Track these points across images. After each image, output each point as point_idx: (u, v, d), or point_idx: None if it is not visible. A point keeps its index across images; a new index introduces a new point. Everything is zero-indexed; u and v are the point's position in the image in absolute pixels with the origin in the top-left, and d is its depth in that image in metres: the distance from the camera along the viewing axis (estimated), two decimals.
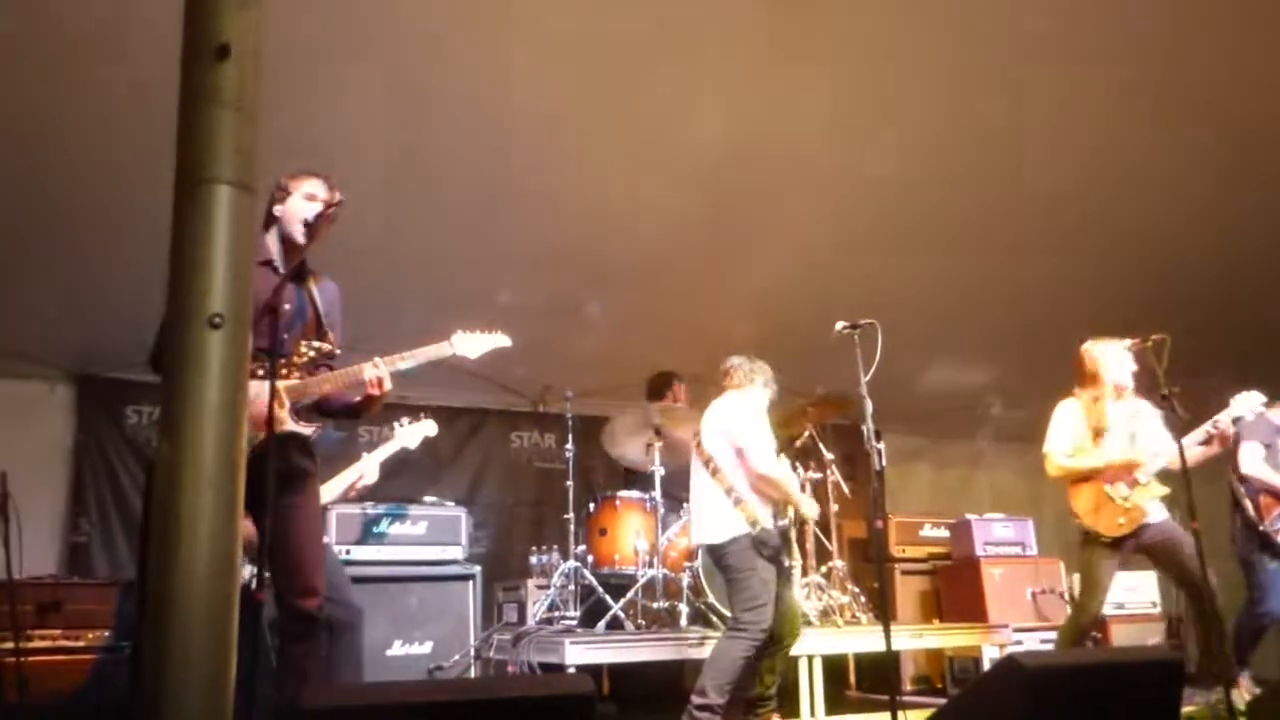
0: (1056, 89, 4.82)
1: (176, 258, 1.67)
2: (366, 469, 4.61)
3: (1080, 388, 4.85)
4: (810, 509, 4.70)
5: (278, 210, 3.19)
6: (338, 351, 3.20)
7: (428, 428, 4.85)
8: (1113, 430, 4.71)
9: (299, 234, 3.12)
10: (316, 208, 3.10)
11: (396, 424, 4.85)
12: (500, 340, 3.58)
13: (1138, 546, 4.65)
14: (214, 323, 1.62)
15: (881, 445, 3.75)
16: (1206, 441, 4.68)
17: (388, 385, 3.15)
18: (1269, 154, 5.29)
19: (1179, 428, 4.37)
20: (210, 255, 1.65)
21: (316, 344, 3.14)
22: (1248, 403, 4.67)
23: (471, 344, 3.48)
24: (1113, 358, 4.74)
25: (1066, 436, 4.76)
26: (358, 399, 3.21)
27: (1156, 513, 4.63)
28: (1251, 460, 5.38)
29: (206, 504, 1.68)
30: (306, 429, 3.09)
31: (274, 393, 2.45)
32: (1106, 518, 4.59)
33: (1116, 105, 4.93)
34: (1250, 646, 5.40)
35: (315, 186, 3.18)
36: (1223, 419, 4.67)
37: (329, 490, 4.50)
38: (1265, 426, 5.44)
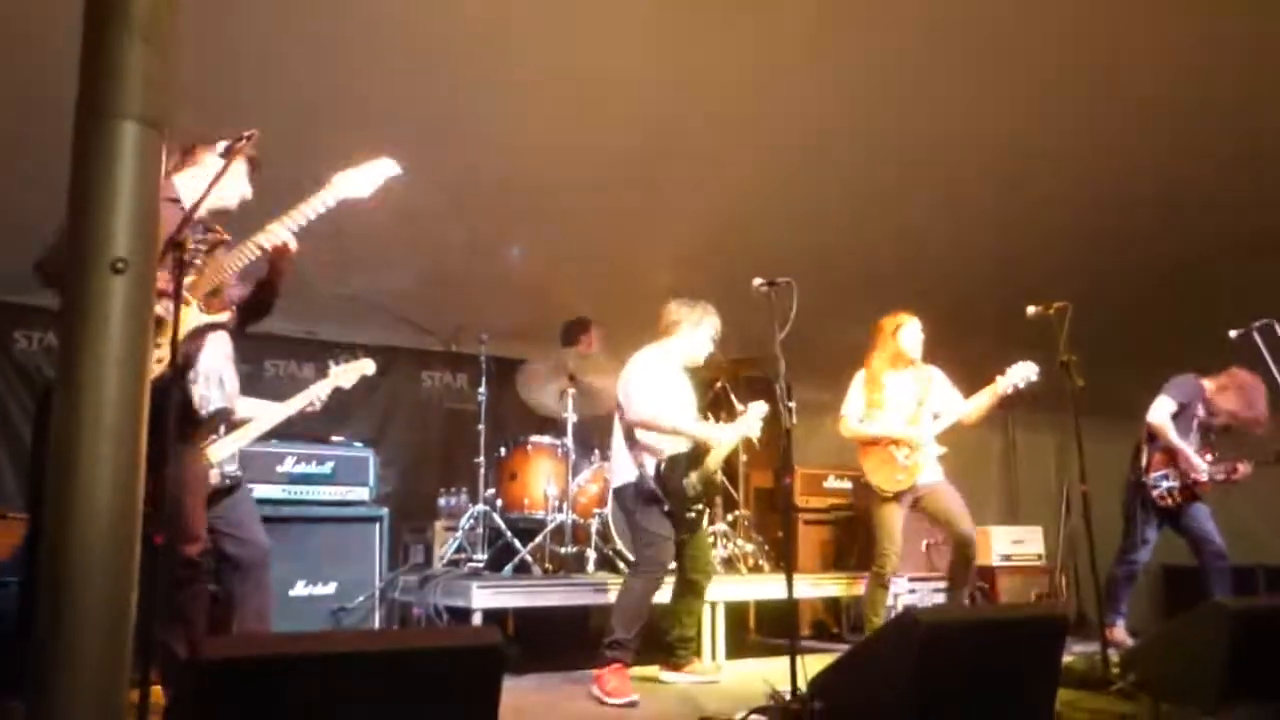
0: (965, 55, 4.85)
1: (76, 197, 1.57)
2: (319, 394, 4.22)
3: (871, 357, 5.23)
4: (727, 434, 4.59)
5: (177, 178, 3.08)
6: (228, 237, 3.06)
7: (365, 366, 4.47)
8: (892, 400, 5.14)
9: (231, 204, 3.10)
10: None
11: (332, 362, 4.53)
12: (389, 167, 3.18)
13: (914, 501, 5.09)
14: (117, 267, 1.53)
15: (793, 403, 3.80)
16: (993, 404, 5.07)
17: (293, 245, 3.04)
18: (1171, 120, 5.42)
19: (1074, 396, 4.55)
20: (114, 195, 1.55)
21: (204, 234, 2.99)
22: (1023, 371, 4.98)
23: (357, 181, 3.15)
24: (903, 330, 5.15)
25: (857, 403, 5.21)
26: (258, 285, 3.13)
27: (932, 473, 5.08)
28: (1157, 411, 5.61)
29: (106, 453, 1.61)
30: (220, 316, 2.99)
31: (176, 341, 2.35)
32: (886, 475, 5.07)
33: (1022, 75, 4.99)
34: (1121, 595, 5.68)
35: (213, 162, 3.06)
36: (1001, 384, 4.99)
37: (280, 411, 4.24)
38: (1190, 389, 5.65)
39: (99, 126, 1.57)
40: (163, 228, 2.13)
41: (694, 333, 4.63)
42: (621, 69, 4.81)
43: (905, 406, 5.13)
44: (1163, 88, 5.06)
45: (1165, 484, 5.57)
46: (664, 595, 4.62)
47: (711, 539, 5.55)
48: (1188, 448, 5.59)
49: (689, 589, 4.64)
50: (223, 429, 3.68)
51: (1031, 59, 4.89)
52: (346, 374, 4.39)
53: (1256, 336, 4.85)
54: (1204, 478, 5.57)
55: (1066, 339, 4.49)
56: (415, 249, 6.00)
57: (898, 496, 5.05)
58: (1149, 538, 5.63)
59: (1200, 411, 5.71)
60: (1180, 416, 5.65)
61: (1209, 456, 5.64)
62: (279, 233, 3.01)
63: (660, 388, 4.55)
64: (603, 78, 4.86)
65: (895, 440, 5.06)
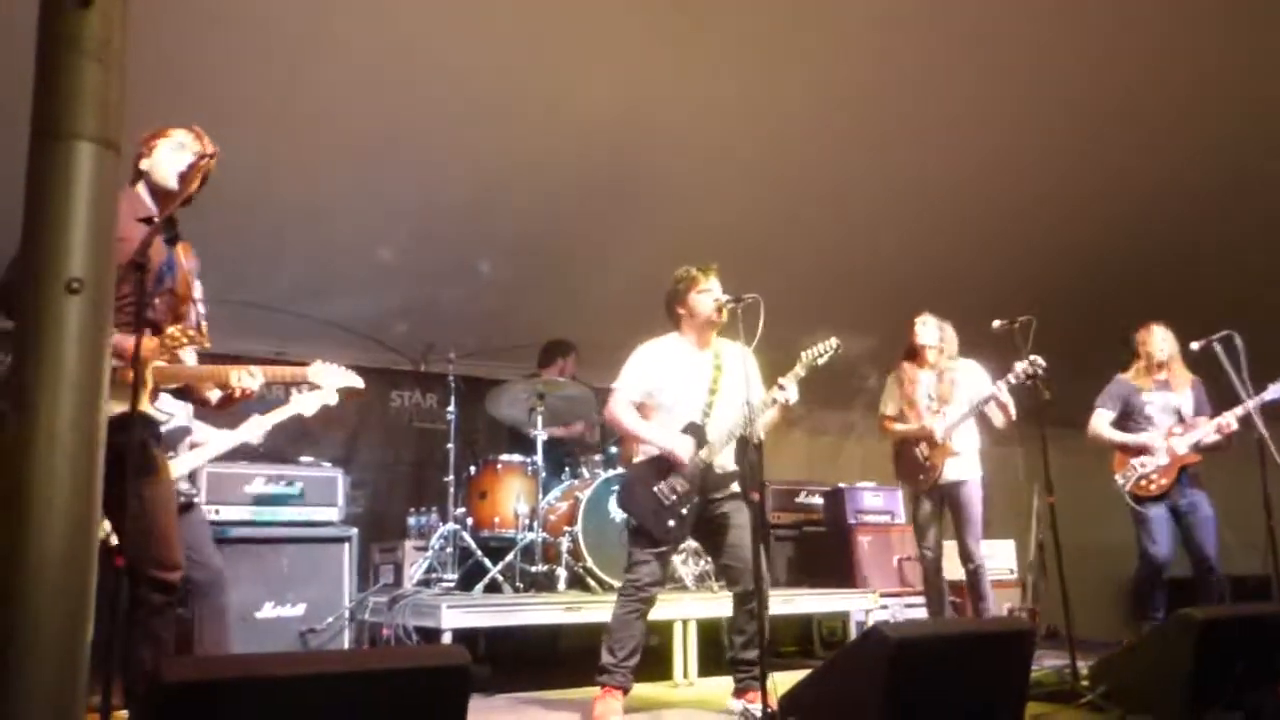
0: (929, 69, 4.91)
1: (31, 217, 1.55)
2: (253, 434, 4.24)
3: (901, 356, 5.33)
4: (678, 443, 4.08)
5: (144, 165, 3.01)
6: (208, 345, 3.04)
7: (328, 396, 4.51)
8: (919, 398, 5.19)
9: (172, 181, 2.96)
10: (188, 158, 2.95)
11: (295, 390, 4.53)
12: (353, 378, 3.72)
13: (942, 498, 5.12)
14: (72, 288, 1.51)
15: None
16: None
17: (255, 388, 3.08)
18: (1123, 135, 5.49)
19: (1041, 409, 4.60)
20: (69, 216, 1.53)
21: (193, 332, 2.97)
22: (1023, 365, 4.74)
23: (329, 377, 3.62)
24: (916, 328, 5.22)
25: (888, 402, 5.32)
26: (216, 399, 3.15)
27: (959, 472, 5.06)
28: (1093, 423, 5.46)
29: (62, 476, 1.58)
30: (161, 416, 3.01)
31: (139, 357, 2.32)
32: (910, 473, 5.19)
33: (984, 87, 5.06)
34: (1148, 595, 5.32)
35: (182, 137, 3.01)
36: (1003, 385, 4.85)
37: (211, 449, 4.23)
38: (1116, 387, 5.45)
39: (54, 147, 1.56)
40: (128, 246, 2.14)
41: (689, 298, 4.22)
42: (584, 91, 4.83)
43: (930, 404, 5.16)
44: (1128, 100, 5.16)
45: (1139, 472, 5.26)
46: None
47: (682, 556, 5.54)
48: (1135, 438, 5.32)
49: (735, 602, 4.13)
50: (182, 446, 3.65)
51: (974, 85, 4.97)
52: (308, 401, 4.35)
53: (1217, 347, 4.87)
54: (1182, 450, 5.19)
55: (1030, 352, 4.55)
56: (384, 269, 5.99)
57: (924, 494, 5.15)
58: (1153, 531, 5.23)
59: (1144, 398, 5.38)
60: (1130, 416, 5.40)
61: (1180, 429, 5.26)
62: (249, 383, 3.06)
63: (647, 378, 4.18)
64: (569, 102, 4.88)
65: (915, 437, 5.13)
